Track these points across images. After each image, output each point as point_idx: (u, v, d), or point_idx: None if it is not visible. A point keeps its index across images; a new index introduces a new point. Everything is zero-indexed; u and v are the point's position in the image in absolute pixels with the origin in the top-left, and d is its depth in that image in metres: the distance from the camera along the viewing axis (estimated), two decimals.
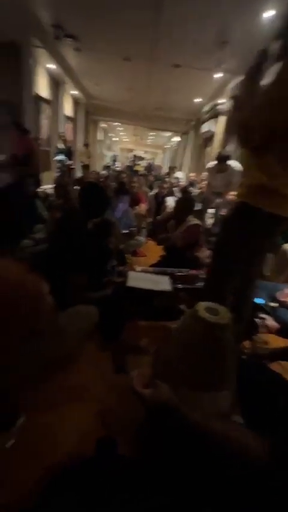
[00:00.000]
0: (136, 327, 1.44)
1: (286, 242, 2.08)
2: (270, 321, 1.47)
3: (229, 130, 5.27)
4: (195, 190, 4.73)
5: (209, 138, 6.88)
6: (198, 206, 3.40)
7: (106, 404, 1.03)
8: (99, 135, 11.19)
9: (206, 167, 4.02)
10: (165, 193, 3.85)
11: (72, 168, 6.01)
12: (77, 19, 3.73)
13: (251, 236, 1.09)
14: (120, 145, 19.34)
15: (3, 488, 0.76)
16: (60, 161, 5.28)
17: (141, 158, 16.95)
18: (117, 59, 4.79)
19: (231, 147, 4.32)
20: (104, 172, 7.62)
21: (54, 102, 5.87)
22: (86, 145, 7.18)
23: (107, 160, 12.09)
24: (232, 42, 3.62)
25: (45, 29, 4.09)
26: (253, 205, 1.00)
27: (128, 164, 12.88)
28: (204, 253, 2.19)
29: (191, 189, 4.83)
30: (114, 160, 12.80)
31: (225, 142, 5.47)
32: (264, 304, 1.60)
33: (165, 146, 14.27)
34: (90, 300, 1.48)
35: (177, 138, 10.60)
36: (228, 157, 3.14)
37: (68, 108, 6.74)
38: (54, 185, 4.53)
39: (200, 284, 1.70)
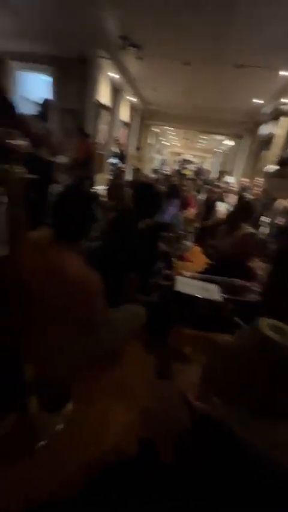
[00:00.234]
0: (181, 333, 1.41)
1: None
2: None
3: None
4: (248, 196, 4.45)
5: (267, 141, 6.41)
6: None
7: (148, 406, 1.02)
8: (150, 139, 11.43)
9: (264, 172, 3.75)
10: (216, 198, 3.71)
11: (123, 171, 6.27)
12: (142, 28, 3.88)
13: None
14: (169, 149, 19.44)
15: (49, 472, 0.82)
16: (113, 164, 5.55)
17: (190, 162, 16.74)
18: (177, 64, 4.83)
19: None
20: (153, 175, 7.75)
21: (113, 109, 6.21)
22: (138, 149, 7.40)
23: (156, 164, 12.26)
24: None
25: (111, 40, 4.35)
26: None
27: (177, 168, 12.86)
28: (258, 265, 2.04)
29: (244, 194, 4.57)
30: (163, 164, 12.91)
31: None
32: None
33: (216, 150, 13.80)
34: (139, 301, 1.51)
35: (229, 142, 10.16)
36: None
37: (124, 114, 7.05)
38: (106, 187, 4.79)
39: (251, 296, 1.59)
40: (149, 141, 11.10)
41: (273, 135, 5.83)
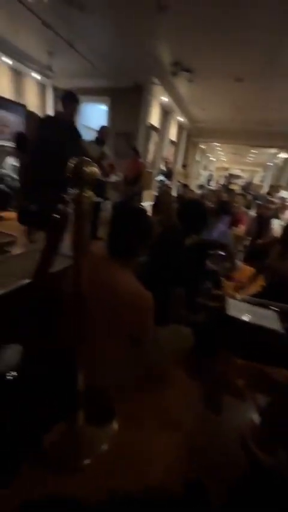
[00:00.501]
0: (232, 363, 1.29)
1: None
2: None
3: None
4: None
5: None
6: None
7: (196, 440, 0.94)
8: (197, 156, 11.49)
9: None
10: (270, 215, 3.45)
11: (170, 188, 6.39)
12: (193, 52, 4.03)
13: None
14: (216, 164, 19.19)
15: (87, 492, 0.79)
16: (160, 181, 5.71)
17: (238, 177, 16.16)
18: (229, 82, 4.84)
19: None
20: (198, 191, 7.70)
21: (162, 129, 6.48)
22: (184, 166, 7.49)
23: (202, 180, 12.18)
24: None
25: (164, 67, 4.63)
26: None
27: (223, 183, 12.55)
28: None
29: None
30: (210, 180, 12.74)
31: None
32: None
33: (268, 163, 13.06)
34: (185, 320, 1.45)
35: (285, 155, 9.51)
36: None
37: (172, 134, 7.28)
38: (153, 203, 4.93)
39: None
40: (195, 157, 11.17)
41: None
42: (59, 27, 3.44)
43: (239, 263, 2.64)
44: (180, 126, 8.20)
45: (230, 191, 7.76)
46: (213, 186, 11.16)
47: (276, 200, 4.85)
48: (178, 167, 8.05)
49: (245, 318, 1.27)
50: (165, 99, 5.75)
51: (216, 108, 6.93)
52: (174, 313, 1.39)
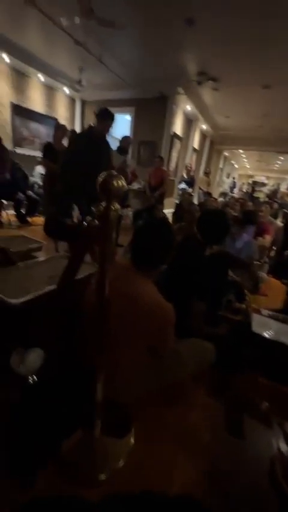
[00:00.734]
0: (256, 383, 1.21)
1: None
2: None
3: None
4: None
5: None
6: None
7: (218, 465, 0.89)
8: (220, 163, 11.33)
9: None
10: None
11: (191, 195, 6.34)
12: (220, 61, 4.03)
13: None
14: (240, 171, 18.78)
15: None
16: (182, 189, 5.69)
17: (263, 184, 15.65)
18: (255, 89, 4.75)
19: None
20: (221, 199, 7.55)
21: (185, 138, 6.50)
22: (207, 173, 7.41)
23: (225, 187, 11.96)
24: None
25: (190, 77, 4.67)
26: None
27: (246, 191, 12.21)
28: None
29: None
30: (233, 187, 12.47)
31: None
32: None
33: None
34: (205, 333, 1.40)
35: None
36: None
37: (195, 141, 7.27)
38: (174, 210, 4.92)
39: None
40: (218, 164, 11.02)
41: None
42: (89, 44, 3.63)
43: (265, 275, 2.52)
44: (204, 134, 8.17)
45: (255, 199, 7.52)
46: (236, 193, 10.91)
47: None
48: (200, 175, 7.99)
49: (271, 335, 1.20)
50: (189, 107, 5.78)
51: (241, 115, 6.82)
52: (195, 326, 1.35)
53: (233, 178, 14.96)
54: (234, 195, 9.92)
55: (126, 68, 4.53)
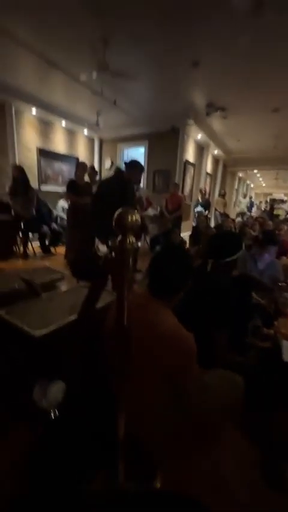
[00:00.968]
0: None
1: None
2: None
3: None
4: None
5: None
6: None
7: None
8: (235, 184, 11.41)
9: None
10: None
11: (208, 218, 6.37)
12: (226, 93, 4.27)
13: None
14: (257, 190, 18.70)
15: None
16: (198, 212, 5.76)
17: (282, 201, 15.35)
18: (264, 113, 4.91)
19: None
20: (238, 219, 7.48)
21: (198, 164, 6.73)
22: (223, 195, 7.47)
23: (242, 207, 11.89)
24: None
25: (198, 110, 4.96)
26: None
27: (265, 209, 12.01)
28: None
29: None
30: (251, 206, 12.35)
31: None
32: None
33: None
34: (232, 363, 1.31)
35: None
36: None
37: (208, 166, 7.48)
38: (191, 233, 4.94)
39: None
40: (234, 186, 11.11)
41: None
42: (105, 91, 4.07)
43: None
44: (216, 158, 8.40)
45: (275, 217, 7.34)
46: (255, 212, 10.76)
47: None
48: (216, 197, 8.07)
49: None
50: (199, 136, 6.06)
51: (252, 138, 6.99)
52: (219, 355, 1.27)
53: (250, 197, 14.88)
54: (252, 214, 9.78)
55: (138, 107, 4.96)
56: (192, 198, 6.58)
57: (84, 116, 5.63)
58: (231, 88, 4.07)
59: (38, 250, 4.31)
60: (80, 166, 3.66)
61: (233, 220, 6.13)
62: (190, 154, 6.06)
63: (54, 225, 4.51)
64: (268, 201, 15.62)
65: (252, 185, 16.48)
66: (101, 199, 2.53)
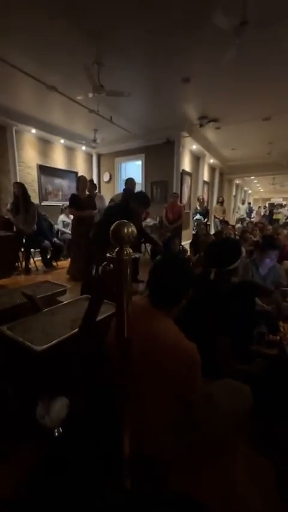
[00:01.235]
0: None
1: None
2: None
3: None
4: None
5: None
6: None
7: None
8: (233, 191, 11.55)
9: None
10: None
11: (207, 225, 6.41)
12: (218, 105, 4.40)
13: None
14: (254, 196, 18.88)
15: None
16: (197, 220, 5.81)
17: (281, 205, 15.43)
18: (256, 122, 5.04)
19: None
20: (238, 225, 7.51)
21: (195, 172, 6.85)
22: (221, 202, 7.55)
23: (241, 213, 11.97)
24: None
25: (192, 122, 5.11)
26: None
27: (264, 214, 12.07)
28: None
29: None
30: (250, 212, 12.42)
31: None
32: None
33: None
34: (237, 371, 1.28)
35: None
36: None
37: (205, 175, 7.61)
38: (190, 241, 4.96)
39: None
40: (231, 192, 11.24)
41: None
42: (101, 110, 4.23)
43: None
44: (212, 167, 8.55)
45: (275, 221, 7.36)
46: (254, 217, 10.82)
47: None
48: (214, 205, 8.15)
49: None
50: (194, 146, 6.20)
51: (247, 146, 7.14)
52: (223, 363, 1.25)
53: (249, 203, 15.00)
54: (252, 219, 9.82)
55: (134, 123, 5.12)
56: (191, 207, 6.66)
57: (82, 133, 5.81)
58: (223, 100, 4.21)
59: (40, 264, 4.33)
60: (81, 181, 3.75)
61: (233, 226, 6.15)
62: (186, 165, 6.18)
63: (55, 239, 4.56)
64: (266, 206, 15.71)
65: (250, 191, 16.65)
66: (101, 229, 2.54)
